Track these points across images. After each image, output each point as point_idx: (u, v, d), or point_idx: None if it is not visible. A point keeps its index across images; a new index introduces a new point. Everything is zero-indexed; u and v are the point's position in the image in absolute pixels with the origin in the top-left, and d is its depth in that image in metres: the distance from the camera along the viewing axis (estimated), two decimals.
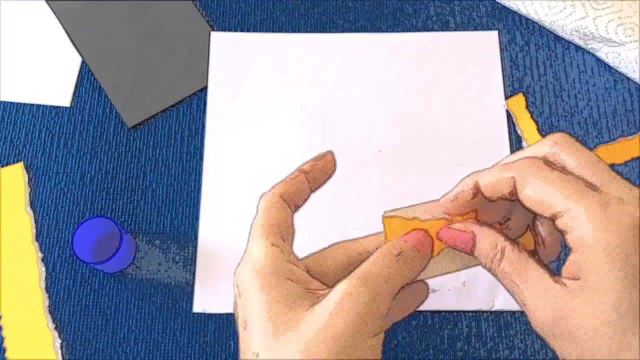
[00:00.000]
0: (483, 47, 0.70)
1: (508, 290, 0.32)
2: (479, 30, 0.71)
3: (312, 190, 0.37)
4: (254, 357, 0.30)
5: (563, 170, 0.30)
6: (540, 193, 0.30)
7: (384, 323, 0.31)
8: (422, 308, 0.59)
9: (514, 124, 0.67)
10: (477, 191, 0.33)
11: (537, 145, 0.32)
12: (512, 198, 0.32)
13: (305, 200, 0.37)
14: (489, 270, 0.33)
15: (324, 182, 0.38)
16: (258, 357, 0.30)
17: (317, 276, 0.35)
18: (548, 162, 0.31)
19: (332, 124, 0.67)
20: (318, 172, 0.38)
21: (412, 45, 0.71)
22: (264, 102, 0.68)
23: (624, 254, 0.27)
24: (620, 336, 0.27)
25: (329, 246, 0.37)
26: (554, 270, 0.31)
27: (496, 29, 0.71)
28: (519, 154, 0.33)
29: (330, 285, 0.32)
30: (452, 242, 0.34)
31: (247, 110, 0.68)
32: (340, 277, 0.35)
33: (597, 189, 0.29)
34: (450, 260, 0.35)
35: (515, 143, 0.66)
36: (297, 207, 0.37)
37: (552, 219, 0.30)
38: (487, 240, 0.32)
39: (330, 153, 0.38)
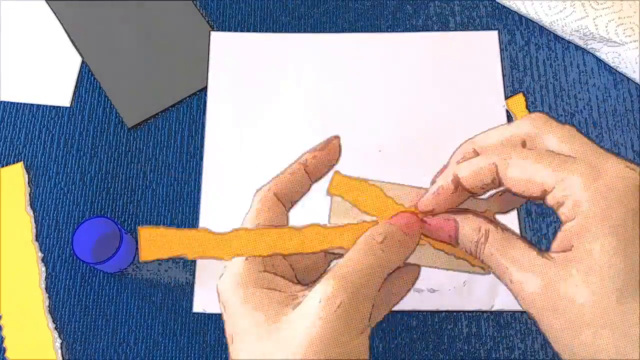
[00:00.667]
0: (483, 47, 0.70)
1: (495, 274, 0.31)
2: (479, 30, 0.71)
3: (313, 182, 0.36)
4: None
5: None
6: (526, 172, 0.29)
7: (370, 318, 0.31)
8: (422, 308, 0.60)
9: None
10: (457, 184, 0.32)
11: (514, 125, 0.32)
12: (493, 187, 0.31)
13: (304, 194, 0.36)
14: (475, 255, 0.32)
15: (327, 172, 0.36)
16: None
17: (301, 271, 0.34)
18: (525, 145, 0.31)
19: (332, 123, 0.67)
20: (320, 163, 0.36)
21: (412, 45, 0.71)
22: (263, 102, 0.68)
23: (620, 219, 0.27)
24: (606, 303, 0.27)
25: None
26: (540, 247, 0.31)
27: (496, 29, 0.71)
28: (491, 135, 0.32)
29: (309, 283, 0.32)
30: (435, 233, 0.33)
31: (247, 110, 0.68)
32: (321, 270, 0.34)
33: (577, 160, 0.29)
34: (434, 255, 0.34)
35: None
36: (293, 204, 0.35)
37: (542, 197, 0.29)
38: (470, 225, 0.32)
39: (337, 139, 0.36)
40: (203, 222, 0.64)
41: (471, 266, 0.47)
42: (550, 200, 0.29)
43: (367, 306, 0.30)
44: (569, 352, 0.28)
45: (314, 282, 0.31)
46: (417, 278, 0.37)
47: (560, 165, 0.29)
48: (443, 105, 0.68)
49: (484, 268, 0.39)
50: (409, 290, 0.37)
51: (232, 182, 0.65)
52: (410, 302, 0.60)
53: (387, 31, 0.72)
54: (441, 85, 0.69)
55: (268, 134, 0.67)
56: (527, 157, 0.29)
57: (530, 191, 0.30)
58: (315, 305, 0.29)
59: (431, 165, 0.65)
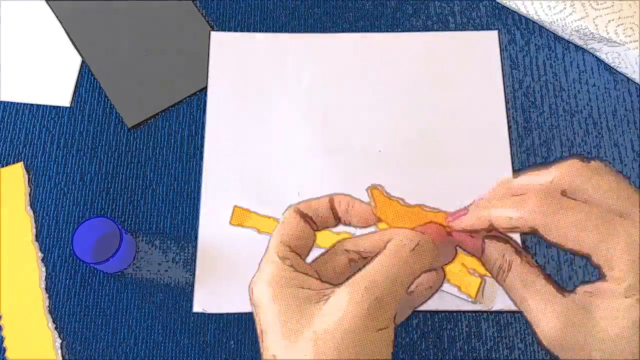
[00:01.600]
0: (483, 47, 0.70)
1: (514, 301, 0.32)
2: (479, 30, 0.71)
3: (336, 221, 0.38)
4: (272, 358, 0.32)
5: (585, 200, 0.30)
6: (567, 235, 0.30)
7: (394, 320, 0.32)
8: (422, 308, 0.59)
9: (516, 124, 0.67)
10: (491, 228, 0.33)
11: (554, 171, 0.32)
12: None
13: (329, 226, 0.37)
14: (496, 280, 0.33)
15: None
16: (276, 357, 0.31)
17: (327, 279, 0.35)
18: (565, 194, 0.31)
19: (332, 123, 0.67)
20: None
21: (412, 45, 0.71)
22: (263, 102, 0.68)
23: None
24: (624, 344, 0.27)
25: (332, 246, 0.37)
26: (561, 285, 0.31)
27: (496, 29, 0.71)
28: (528, 179, 0.32)
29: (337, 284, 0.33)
30: (462, 243, 0.34)
31: (247, 110, 0.68)
32: (346, 277, 0.35)
33: (623, 215, 0.29)
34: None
35: (516, 144, 0.66)
36: (318, 227, 0.37)
37: (584, 257, 0.30)
38: (496, 249, 0.33)
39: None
40: (203, 222, 0.64)
41: (459, 292, 0.54)
42: (593, 262, 0.30)
43: (392, 308, 0.32)
44: None
45: (342, 282, 0.32)
46: (442, 282, 0.38)
47: (602, 235, 0.29)
48: (443, 105, 0.68)
49: (472, 297, 0.48)
50: (432, 294, 0.38)
51: (232, 182, 0.65)
52: None
53: (387, 31, 0.72)
54: (441, 85, 0.69)
55: (268, 133, 0.67)
56: (567, 219, 0.30)
57: (572, 250, 0.30)
58: (342, 306, 0.31)
59: (431, 165, 0.66)
